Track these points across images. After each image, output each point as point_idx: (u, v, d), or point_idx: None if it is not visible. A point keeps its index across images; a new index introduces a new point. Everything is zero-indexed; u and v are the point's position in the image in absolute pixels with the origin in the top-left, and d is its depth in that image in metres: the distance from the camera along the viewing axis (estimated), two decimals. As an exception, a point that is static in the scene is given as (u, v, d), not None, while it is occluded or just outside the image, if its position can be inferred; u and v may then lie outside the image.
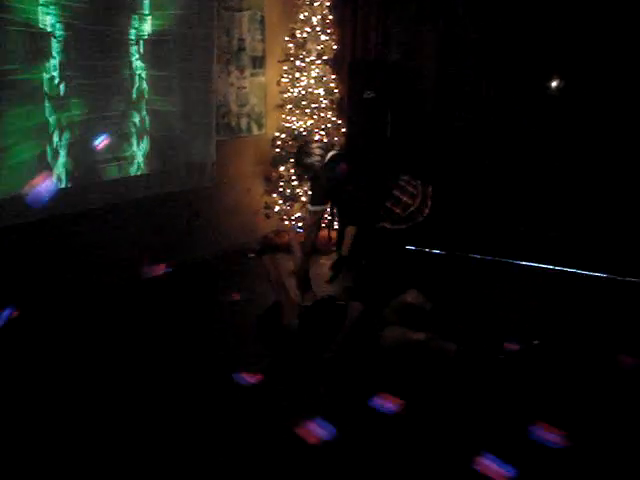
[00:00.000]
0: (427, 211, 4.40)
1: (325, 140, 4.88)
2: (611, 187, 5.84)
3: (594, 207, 5.94)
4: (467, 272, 6.09)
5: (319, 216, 4.75)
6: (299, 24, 6.69)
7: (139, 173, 5.50)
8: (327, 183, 4.55)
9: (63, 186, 4.81)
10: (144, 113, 5.44)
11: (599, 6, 5.69)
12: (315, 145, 4.80)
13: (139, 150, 5.46)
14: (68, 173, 4.83)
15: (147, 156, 5.53)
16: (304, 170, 4.85)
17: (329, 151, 4.76)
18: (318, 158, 4.66)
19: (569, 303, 5.29)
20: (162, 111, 5.59)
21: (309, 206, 4.75)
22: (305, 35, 6.67)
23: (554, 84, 6.09)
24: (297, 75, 6.71)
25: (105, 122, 5.08)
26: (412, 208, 4.35)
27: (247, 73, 6.60)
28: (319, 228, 4.93)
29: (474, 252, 6.47)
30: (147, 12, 5.31)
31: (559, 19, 5.87)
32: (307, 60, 6.68)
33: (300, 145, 5.09)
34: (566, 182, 6.07)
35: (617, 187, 5.82)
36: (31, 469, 3.04)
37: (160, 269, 4.95)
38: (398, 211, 4.36)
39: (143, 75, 5.37)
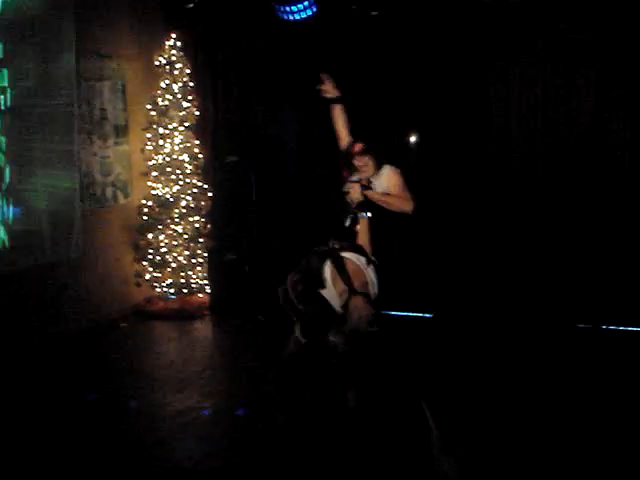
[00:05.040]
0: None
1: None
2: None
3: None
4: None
5: None
6: (160, 92, 6.78)
7: (1, 247, 5.29)
8: None
9: None
10: (5, 186, 5.27)
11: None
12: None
13: (0, 223, 5.26)
14: None
15: (9, 229, 5.34)
16: None
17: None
18: None
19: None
20: (24, 183, 5.43)
21: None
22: (167, 103, 6.77)
23: (412, 140, 6.51)
24: (161, 142, 6.78)
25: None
26: None
27: (110, 142, 6.56)
28: None
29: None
30: (6, 84, 5.21)
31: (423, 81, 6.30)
32: (170, 127, 6.76)
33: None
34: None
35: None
36: None
37: None
38: None
39: (3, 148, 5.23)
